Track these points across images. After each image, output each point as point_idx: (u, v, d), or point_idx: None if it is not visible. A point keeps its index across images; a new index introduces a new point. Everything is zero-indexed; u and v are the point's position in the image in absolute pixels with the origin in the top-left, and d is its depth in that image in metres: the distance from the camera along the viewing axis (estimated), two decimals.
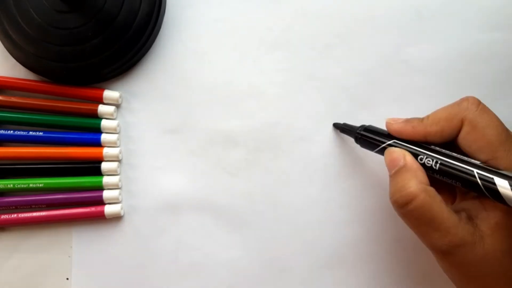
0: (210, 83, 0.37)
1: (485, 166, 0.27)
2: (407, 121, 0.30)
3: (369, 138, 0.32)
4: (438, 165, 0.28)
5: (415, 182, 0.27)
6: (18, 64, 0.37)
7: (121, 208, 0.37)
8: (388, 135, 0.31)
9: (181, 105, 0.37)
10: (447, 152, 0.29)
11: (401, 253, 0.36)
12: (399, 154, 0.29)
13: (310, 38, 0.37)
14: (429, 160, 0.29)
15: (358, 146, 0.36)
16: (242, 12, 0.38)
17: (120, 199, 0.37)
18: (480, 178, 0.27)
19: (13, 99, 0.37)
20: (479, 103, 0.29)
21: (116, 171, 0.37)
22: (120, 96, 0.37)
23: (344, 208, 0.36)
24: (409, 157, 0.28)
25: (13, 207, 0.37)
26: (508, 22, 0.36)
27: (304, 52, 0.37)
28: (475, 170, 0.27)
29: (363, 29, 0.37)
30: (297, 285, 0.36)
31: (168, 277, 0.37)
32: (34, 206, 0.36)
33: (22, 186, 0.36)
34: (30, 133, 0.36)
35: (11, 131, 0.37)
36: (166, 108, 0.37)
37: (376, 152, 0.32)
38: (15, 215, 0.36)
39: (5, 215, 0.36)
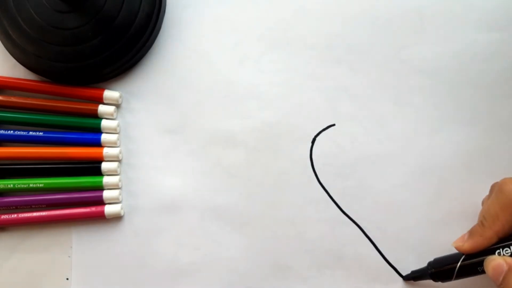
0: (210, 83, 0.37)
1: None
2: (471, 234, 0.31)
3: (443, 269, 0.32)
4: None
5: None
6: (18, 64, 0.37)
7: (121, 208, 0.37)
8: (455, 257, 0.31)
9: (181, 105, 0.37)
10: None
11: (400, 253, 0.36)
12: (500, 260, 0.28)
13: (310, 38, 0.37)
14: (507, 250, 0.29)
15: (357, 146, 0.36)
16: (242, 12, 0.38)
17: (120, 199, 0.37)
18: None
19: (13, 99, 0.37)
20: None
21: (116, 171, 0.37)
22: (120, 96, 0.37)
23: (344, 208, 0.36)
24: (509, 259, 0.28)
25: (13, 207, 0.37)
26: (508, 22, 0.36)
27: (304, 52, 0.37)
28: None
29: (363, 29, 0.37)
30: (297, 284, 0.36)
31: (168, 277, 0.37)
32: (34, 206, 0.36)
33: (22, 186, 0.36)
34: (30, 133, 0.36)
35: (11, 131, 0.37)
36: (166, 108, 0.37)
37: (457, 278, 0.31)
38: (15, 215, 0.36)
39: (5, 215, 0.36)
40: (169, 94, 0.37)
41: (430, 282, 0.33)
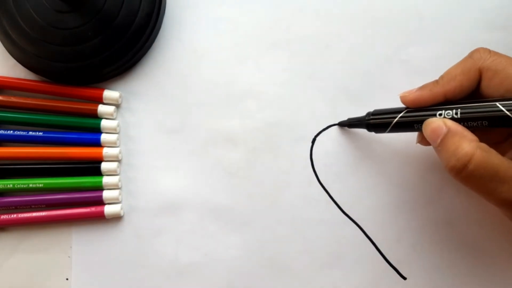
0: (210, 83, 0.37)
1: (504, 98, 0.27)
2: (422, 87, 0.30)
3: (381, 118, 0.32)
4: (459, 112, 0.28)
5: (466, 142, 0.27)
6: (18, 64, 0.37)
7: (121, 208, 0.37)
8: (397, 110, 0.31)
9: (181, 105, 0.37)
10: (462, 100, 0.29)
11: (401, 252, 0.36)
12: (439, 122, 0.28)
13: (310, 38, 0.37)
14: (449, 112, 0.28)
15: (357, 146, 0.36)
16: (242, 12, 0.38)
17: (120, 199, 0.37)
18: (505, 108, 0.27)
19: (13, 99, 0.37)
20: (489, 50, 0.29)
21: (116, 171, 0.37)
22: (120, 96, 0.37)
23: (344, 208, 0.36)
24: (449, 122, 0.28)
25: (13, 207, 0.37)
26: (508, 22, 0.36)
27: (304, 52, 0.37)
28: (497, 103, 0.27)
29: (363, 29, 0.37)
30: (297, 285, 0.36)
31: (168, 277, 0.37)
32: (34, 206, 0.36)
33: (22, 186, 0.36)
34: (30, 133, 0.36)
35: (11, 131, 0.37)
36: (166, 108, 0.37)
37: (391, 131, 0.31)
38: (15, 215, 0.36)
39: (5, 215, 0.36)
40: (169, 94, 0.37)
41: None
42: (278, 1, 0.37)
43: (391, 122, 0.31)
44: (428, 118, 0.29)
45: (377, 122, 0.32)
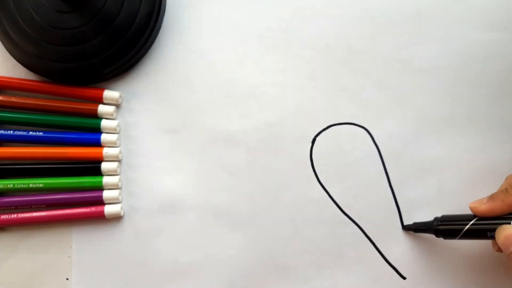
0: (210, 83, 0.37)
1: None
2: (492, 198, 0.30)
3: (450, 225, 0.32)
4: None
5: None
6: (18, 64, 0.37)
7: (121, 208, 0.37)
8: (467, 218, 0.31)
9: (181, 105, 0.37)
10: None
11: (400, 252, 0.36)
12: None
13: (310, 38, 0.37)
14: None
15: (357, 146, 0.36)
16: (242, 12, 0.38)
17: (120, 199, 0.37)
18: None
19: (13, 99, 0.37)
20: None
21: (116, 171, 0.37)
22: (120, 96, 0.37)
23: (344, 208, 0.36)
24: None
25: (13, 207, 0.37)
26: (508, 22, 0.36)
27: (304, 52, 0.37)
28: None
29: (363, 29, 0.37)
30: (297, 284, 0.36)
31: (168, 277, 0.37)
32: (34, 206, 0.36)
33: (22, 186, 0.36)
34: (30, 133, 0.36)
35: (11, 131, 0.37)
36: (166, 108, 0.37)
37: (461, 238, 0.31)
38: (15, 215, 0.36)
39: (5, 215, 0.36)
40: (169, 94, 0.37)
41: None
42: (278, 1, 0.37)
43: (462, 230, 0.31)
44: (503, 225, 0.30)
45: (447, 228, 0.32)
